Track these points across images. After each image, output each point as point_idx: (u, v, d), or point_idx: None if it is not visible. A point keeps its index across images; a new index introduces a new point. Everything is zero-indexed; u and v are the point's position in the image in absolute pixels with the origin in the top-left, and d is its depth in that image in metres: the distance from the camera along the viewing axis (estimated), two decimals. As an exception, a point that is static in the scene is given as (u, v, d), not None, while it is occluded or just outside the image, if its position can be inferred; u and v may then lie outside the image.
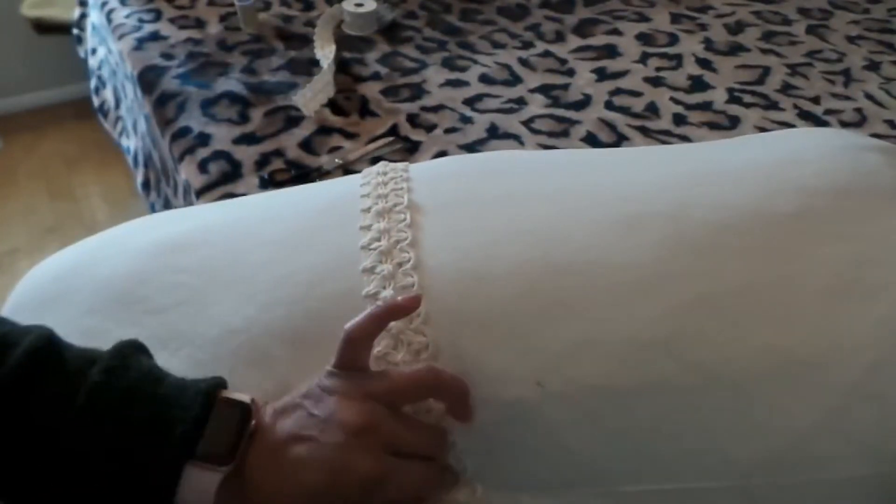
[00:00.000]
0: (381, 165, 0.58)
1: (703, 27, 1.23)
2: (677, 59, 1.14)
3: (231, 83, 1.05)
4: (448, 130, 0.97)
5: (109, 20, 1.24)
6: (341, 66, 1.09)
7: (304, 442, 0.39)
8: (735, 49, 1.17)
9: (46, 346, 0.38)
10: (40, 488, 0.36)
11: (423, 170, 0.58)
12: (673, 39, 1.19)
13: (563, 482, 0.44)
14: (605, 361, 0.44)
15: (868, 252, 0.48)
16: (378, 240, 0.49)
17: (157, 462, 0.36)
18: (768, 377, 0.44)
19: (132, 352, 0.41)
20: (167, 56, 1.11)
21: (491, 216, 0.51)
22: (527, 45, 1.17)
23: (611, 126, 0.98)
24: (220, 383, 0.41)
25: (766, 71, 1.11)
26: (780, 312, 0.46)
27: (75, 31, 1.50)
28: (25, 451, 0.36)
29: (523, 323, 0.45)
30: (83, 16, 1.45)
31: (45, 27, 1.88)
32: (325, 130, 0.96)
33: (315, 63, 1.09)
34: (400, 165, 0.57)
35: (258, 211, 0.57)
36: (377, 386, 0.42)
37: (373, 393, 0.41)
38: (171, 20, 1.20)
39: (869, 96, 1.06)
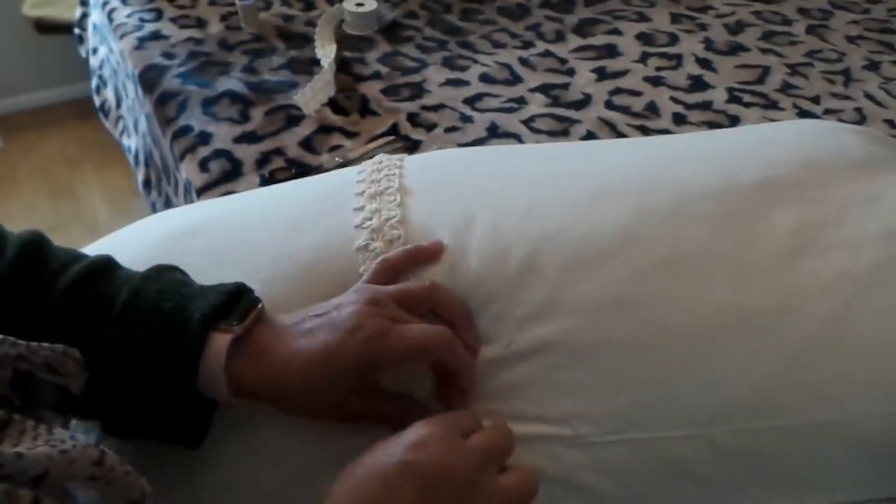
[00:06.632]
0: (377, 157, 0.60)
1: (703, 27, 1.23)
2: (677, 59, 1.14)
3: (232, 82, 1.05)
4: (448, 129, 0.97)
5: (111, 20, 1.24)
6: (342, 65, 1.10)
7: (321, 317, 0.44)
8: (735, 49, 1.17)
9: (102, 261, 0.47)
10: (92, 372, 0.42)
11: (416, 159, 0.61)
12: (673, 39, 1.19)
13: (533, 434, 0.46)
14: (567, 321, 0.47)
15: (829, 214, 0.50)
16: (370, 219, 0.52)
17: (180, 337, 0.42)
18: (726, 331, 0.46)
19: (167, 268, 0.47)
20: (168, 55, 1.12)
21: (472, 195, 0.54)
22: (527, 44, 1.18)
23: (610, 125, 0.98)
24: (244, 289, 0.46)
25: (766, 71, 1.11)
26: (739, 271, 0.48)
27: (76, 30, 1.50)
28: (83, 336, 0.43)
29: (496, 289, 0.48)
30: (84, 15, 1.45)
31: (46, 27, 1.88)
32: (325, 129, 0.97)
33: (316, 62, 1.09)
34: (396, 156, 0.60)
35: (261, 199, 0.60)
36: (391, 288, 0.47)
37: (387, 292, 0.46)
38: (173, 20, 1.20)
39: (868, 96, 1.06)
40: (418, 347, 0.44)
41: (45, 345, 0.37)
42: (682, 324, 0.47)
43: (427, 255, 0.49)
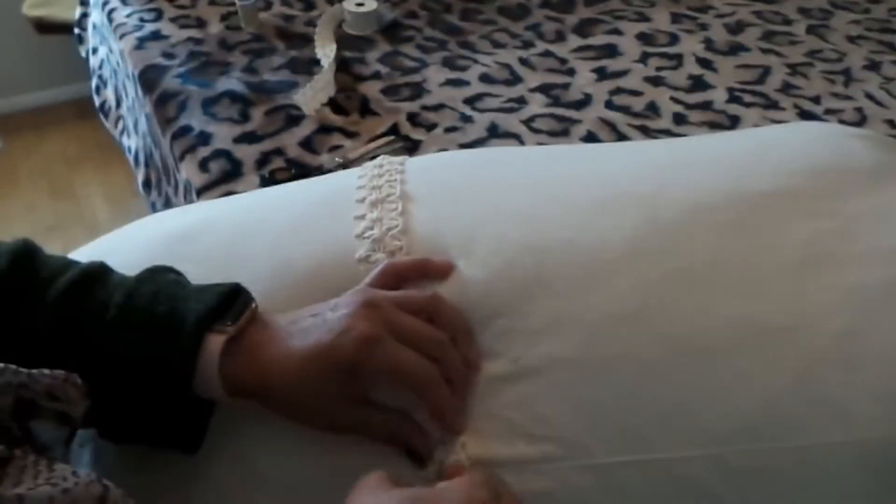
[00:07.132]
0: (378, 159, 0.59)
1: (703, 27, 1.23)
2: (677, 59, 1.14)
3: (232, 82, 1.05)
4: (448, 129, 0.97)
5: (110, 19, 1.24)
6: (342, 65, 1.10)
7: (316, 317, 0.44)
8: (735, 49, 1.17)
9: (95, 267, 0.46)
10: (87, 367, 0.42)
11: (418, 162, 0.60)
12: (673, 39, 1.19)
13: (541, 456, 0.45)
14: (577, 335, 0.45)
15: (841, 226, 0.49)
16: (371, 228, 0.51)
17: (175, 340, 0.42)
18: (737, 345, 0.45)
19: (161, 269, 0.47)
20: (168, 55, 1.12)
21: (476, 202, 0.53)
22: (527, 44, 1.17)
23: (611, 125, 0.98)
24: (239, 289, 0.46)
25: (767, 71, 1.11)
26: (751, 283, 0.47)
27: (76, 30, 1.50)
28: (78, 339, 0.43)
29: (504, 301, 0.47)
30: (84, 15, 1.45)
31: (46, 27, 1.88)
32: (325, 129, 0.97)
33: (316, 62, 1.09)
34: (397, 159, 0.59)
35: (260, 202, 0.59)
36: (391, 294, 0.46)
37: (387, 296, 0.45)
38: (172, 19, 1.20)
39: (869, 96, 1.06)
40: (400, 372, 0.43)
41: (46, 371, 0.37)
42: (693, 338, 0.45)
43: (436, 272, 0.48)
